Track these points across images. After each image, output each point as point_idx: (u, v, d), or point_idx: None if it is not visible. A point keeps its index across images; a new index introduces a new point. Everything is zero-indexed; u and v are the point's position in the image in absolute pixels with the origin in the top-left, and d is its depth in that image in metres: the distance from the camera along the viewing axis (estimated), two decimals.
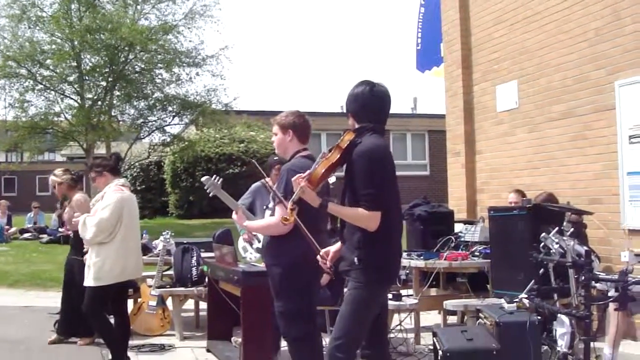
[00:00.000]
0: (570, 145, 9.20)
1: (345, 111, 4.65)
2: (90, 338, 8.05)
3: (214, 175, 5.35)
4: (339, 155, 4.33)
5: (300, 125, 5.23)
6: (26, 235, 20.20)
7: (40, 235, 19.73)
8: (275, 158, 7.41)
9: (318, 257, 4.56)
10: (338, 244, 4.61)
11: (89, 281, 6.87)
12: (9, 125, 22.92)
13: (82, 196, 8.05)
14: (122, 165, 9.20)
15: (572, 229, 5.92)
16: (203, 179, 5.31)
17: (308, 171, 4.32)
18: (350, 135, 4.39)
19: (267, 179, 7.09)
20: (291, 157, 5.21)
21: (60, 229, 19.21)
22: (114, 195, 6.89)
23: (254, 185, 8.20)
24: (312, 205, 4.33)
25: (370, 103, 4.49)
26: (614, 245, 8.12)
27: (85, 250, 7.57)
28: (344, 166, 4.42)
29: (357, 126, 4.48)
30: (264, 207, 6.43)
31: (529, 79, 10.08)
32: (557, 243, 5.78)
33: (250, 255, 8.17)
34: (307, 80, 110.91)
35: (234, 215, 5.41)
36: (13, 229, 20.78)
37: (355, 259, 4.31)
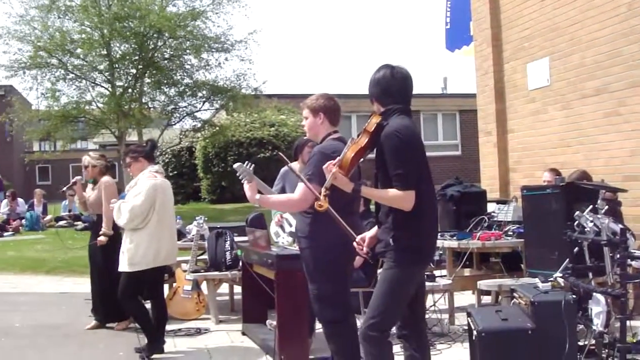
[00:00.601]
0: (604, 122, 9.11)
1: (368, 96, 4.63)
2: (127, 322, 8.14)
3: (246, 162, 5.34)
4: (367, 139, 4.33)
5: (331, 108, 5.22)
6: (61, 222, 20.43)
7: (75, 223, 19.94)
8: (305, 137, 7.39)
9: (354, 243, 4.56)
10: (374, 229, 4.61)
11: (123, 266, 6.95)
12: (42, 115, 23.13)
13: (111, 180, 8.21)
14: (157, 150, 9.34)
15: (606, 207, 5.87)
16: (235, 165, 5.29)
17: (338, 157, 4.32)
18: (377, 118, 4.39)
19: (292, 164, 7.12)
20: (322, 139, 5.20)
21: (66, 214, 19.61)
22: (147, 181, 6.95)
23: (282, 170, 8.21)
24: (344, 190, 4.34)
25: (392, 86, 4.48)
26: None
27: (102, 233, 7.78)
28: (374, 149, 4.42)
29: (382, 110, 4.47)
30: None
31: (561, 56, 9.98)
32: (591, 221, 5.73)
33: (282, 240, 8.20)
34: (336, 63, 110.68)
35: (245, 187, 5.30)
36: (48, 217, 21.04)
37: (390, 240, 4.31)
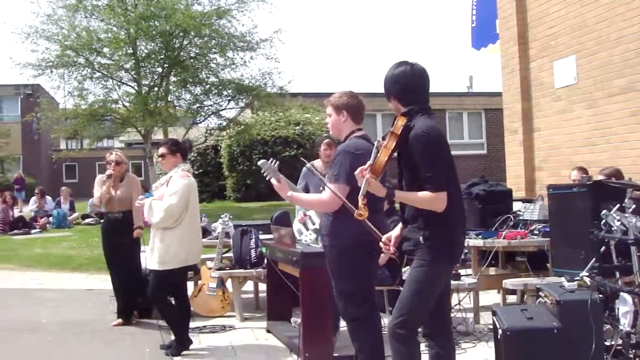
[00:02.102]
0: (632, 120, 9.03)
1: (386, 96, 4.59)
2: (122, 321, 8.33)
3: (271, 159, 5.33)
4: (395, 142, 4.30)
5: (354, 106, 5.20)
6: (88, 220, 20.60)
7: (101, 220, 20.04)
8: (325, 134, 7.40)
9: (381, 243, 4.55)
10: (398, 228, 4.60)
11: (152, 264, 6.97)
12: (69, 113, 23.31)
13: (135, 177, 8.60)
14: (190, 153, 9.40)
15: (633, 206, 5.81)
16: (259, 162, 5.29)
17: (369, 162, 4.29)
18: (403, 120, 4.35)
19: (310, 164, 7.11)
20: (346, 137, 5.19)
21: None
22: (181, 181, 6.95)
23: (304, 169, 8.25)
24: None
25: (411, 83, 4.46)
26: None
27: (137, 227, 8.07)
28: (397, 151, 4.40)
29: (401, 108, 4.46)
30: (320, 188, 6.46)
31: (588, 54, 9.90)
32: (618, 220, 5.68)
33: (305, 237, 8.22)
34: (362, 61, 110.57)
35: (273, 182, 5.29)
36: (75, 215, 21.23)
37: (421, 238, 4.31)
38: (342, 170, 4.85)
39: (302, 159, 5.37)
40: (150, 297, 7.15)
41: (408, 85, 4.46)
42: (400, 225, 4.59)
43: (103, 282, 11.30)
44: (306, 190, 7.72)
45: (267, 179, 5.26)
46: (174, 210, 6.82)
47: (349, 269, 4.97)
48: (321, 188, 5.35)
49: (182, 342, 6.97)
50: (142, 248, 8.32)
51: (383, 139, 4.36)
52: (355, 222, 4.49)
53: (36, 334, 8.03)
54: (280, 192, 5.22)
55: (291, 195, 5.21)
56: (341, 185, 4.83)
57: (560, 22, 10.52)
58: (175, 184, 6.93)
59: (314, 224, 8.20)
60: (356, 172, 4.30)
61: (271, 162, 5.23)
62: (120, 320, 8.35)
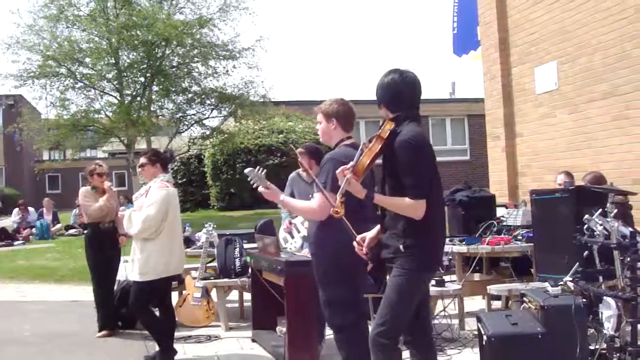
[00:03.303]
0: (613, 125, 9.09)
1: (376, 101, 4.62)
2: (107, 332, 8.32)
3: (257, 167, 5.30)
4: (380, 145, 4.31)
5: (344, 113, 5.20)
6: (71, 231, 20.51)
7: (85, 231, 19.94)
8: (307, 144, 7.40)
9: (354, 243, 4.56)
10: (374, 230, 4.60)
11: (134, 276, 6.95)
12: (52, 124, 23.21)
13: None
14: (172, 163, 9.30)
15: (615, 210, 5.85)
16: (246, 170, 5.25)
17: (351, 162, 4.30)
18: (390, 125, 4.37)
19: (296, 172, 7.04)
20: (335, 145, 5.20)
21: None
22: (159, 192, 6.91)
23: (290, 176, 8.25)
24: (354, 195, 4.33)
25: (402, 91, 4.48)
26: None
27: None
28: (381, 155, 4.41)
29: (391, 115, 4.47)
30: (310, 195, 6.46)
31: (568, 60, 9.97)
32: (600, 225, 5.71)
33: (290, 245, 8.22)
34: (344, 68, 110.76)
35: (260, 189, 5.25)
36: (58, 226, 21.13)
37: (401, 246, 4.31)
38: (329, 178, 4.86)
39: (291, 146, 5.32)
40: (132, 307, 7.11)
41: (396, 93, 4.48)
42: (377, 227, 4.60)
43: (87, 293, 11.21)
44: (291, 197, 7.71)
45: (254, 187, 5.24)
46: (151, 220, 6.79)
47: (335, 277, 4.97)
48: (310, 196, 5.35)
49: (166, 353, 6.93)
50: (123, 258, 8.33)
51: (369, 141, 4.37)
52: (342, 230, 4.50)
53: (19, 346, 7.96)
54: (271, 197, 5.19)
55: (283, 200, 5.21)
56: (329, 193, 4.83)
57: (541, 28, 10.59)
58: (153, 195, 6.90)
59: (299, 232, 8.21)
60: (337, 171, 4.31)
61: (258, 170, 5.20)
62: (104, 331, 8.30)
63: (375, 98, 4.60)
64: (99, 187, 8.49)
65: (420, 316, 4.51)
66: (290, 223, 8.39)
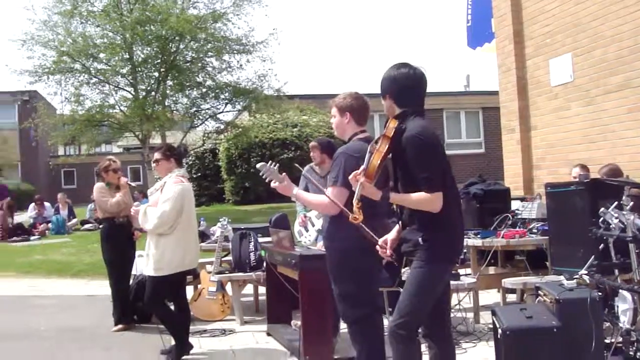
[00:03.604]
0: (628, 117, 9.04)
1: (381, 93, 4.58)
2: (124, 326, 8.36)
3: (270, 161, 5.29)
4: (387, 145, 4.31)
5: (358, 107, 5.18)
6: (87, 226, 20.60)
7: (100, 226, 20.03)
8: (320, 137, 7.38)
9: (377, 247, 4.56)
10: (394, 231, 4.61)
11: (149, 271, 6.97)
12: (67, 119, 23.30)
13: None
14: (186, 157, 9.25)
15: (631, 203, 5.82)
16: (258, 165, 5.25)
17: (362, 166, 4.30)
18: (395, 123, 4.36)
19: (309, 166, 7.03)
20: (349, 139, 5.19)
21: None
22: (174, 187, 6.92)
23: (305, 170, 8.28)
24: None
25: (410, 86, 4.47)
26: None
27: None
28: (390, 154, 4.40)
29: (396, 109, 4.46)
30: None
31: (583, 52, 9.91)
32: (616, 218, 5.68)
33: (305, 239, 8.23)
34: (358, 62, 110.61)
35: (273, 184, 5.22)
36: (74, 221, 21.22)
37: (420, 239, 4.31)
38: (340, 174, 4.85)
39: (296, 164, 5.32)
40: (147, 303, 7.13)
41: (407, 87, 4.47)
42: (396, 227, 4.60)
43: (103, 288, 11.29)
44: (306, 191, 7.72)
45: (267, 181, 5.23)
46: (167, 216, 6.80)
47: (349, 271, 4.96)
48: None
49: (182, 347, 6.96)
50: (138, 253, 8.37)
51: (376, 142, 4.36)
52: (352, 226, 4.49)
53: (35, 341, 8.01)
54: (284, 192, 5.18)
55: (296, 193, 5.21)
56: (340, 188, 4.83)
57: (556, 21, 10.53)
58: (168, 190, 6.90)
59: (313, 225, 8.22)
60: (350, 177, 4.31)
61: (270, 164, 5.20)
62: (120, 325, 8.34)
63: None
64: (113, 182, 8.53)
65: (439, 309, 4.51)
66: (305, 217, 8.41)
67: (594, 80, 9.72)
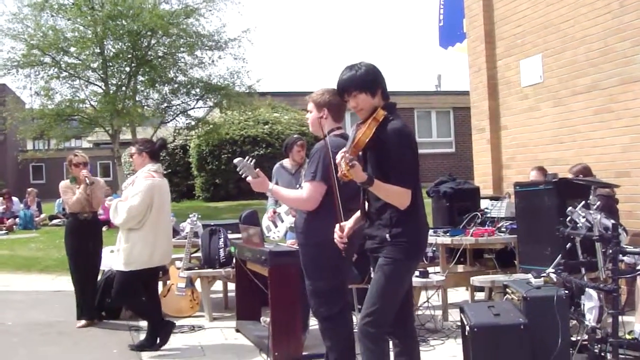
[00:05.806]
0: (596, 118, 9.13)
1: (365, 88, 4.50)
2: (89, 321, 8.29)
3: (247, 157, 5.27)
4: (375, 128, 4.28)
5: (335, 104, 5.17)
6: (55, 221, 20.42)
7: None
8: (295, 135, 7.37)
9: (336, 229, 4.55)
10: (352, 219, 4.61)
11: (119, 266, 6.95)
12: (36, 113, 23.06)
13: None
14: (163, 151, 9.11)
15: (598, 203, 5.89)
16: (235, 160, 5.21)
17: (349, 143, 4.29)
18: (384, 111, 4.37)
19: (283, 161, 6.99)
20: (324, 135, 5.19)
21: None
22: (144, 182, 6.92)
23: (275, 167, 8.29)
24: (343, 186, 4.34)
25: (382, 80, 4.52)
26: None
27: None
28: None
29: (381, 102, 4.44)
30: (297, 186, 6.45)
31: (553, 53, 9.99)
32: (583, 217, 5.75)
33: (273, 235, 8.23)
34: (330, 60, 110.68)
35: (249, 179, 5.18)
36: (42, 216, 21.04)
37: (387, 236, 4.32)
38: (319, 168, 4.86)
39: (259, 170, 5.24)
40: (114, 297, 7.12)
41: (381, 80, 4.51)
42: (355, 216, 4.59)
43: (70, 283, 11.22)
44: None
45: (243, 176, 5.21)
46: (135, 210, 6.79)
47: (322, 268, 4.97)
48: (298, 186, 5.35)
49: (161, 327, 6.99)
50: (109, 249, 8.31)
51: (362, 123, 4.36)
52: (329, 220, 4.50)
53: (2, 336, 7.94)
54: (259, 187, 5.16)
55: (272, 189, 5.20)
56: (319, 183, 4.85)
57: (527, 22, 10.60)
58: (138, 185, 6.92)
59: (282, 221, 8.23)
60: (338, 155, 4.08)
61: (247, 160, 5.18)
62: (84, 321, 8.27)
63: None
64: (78, 177, 8.43)
65: (402, 306, 4.51)
66: (275, 212, 8.41)
67: (563, 81, 9.80)
